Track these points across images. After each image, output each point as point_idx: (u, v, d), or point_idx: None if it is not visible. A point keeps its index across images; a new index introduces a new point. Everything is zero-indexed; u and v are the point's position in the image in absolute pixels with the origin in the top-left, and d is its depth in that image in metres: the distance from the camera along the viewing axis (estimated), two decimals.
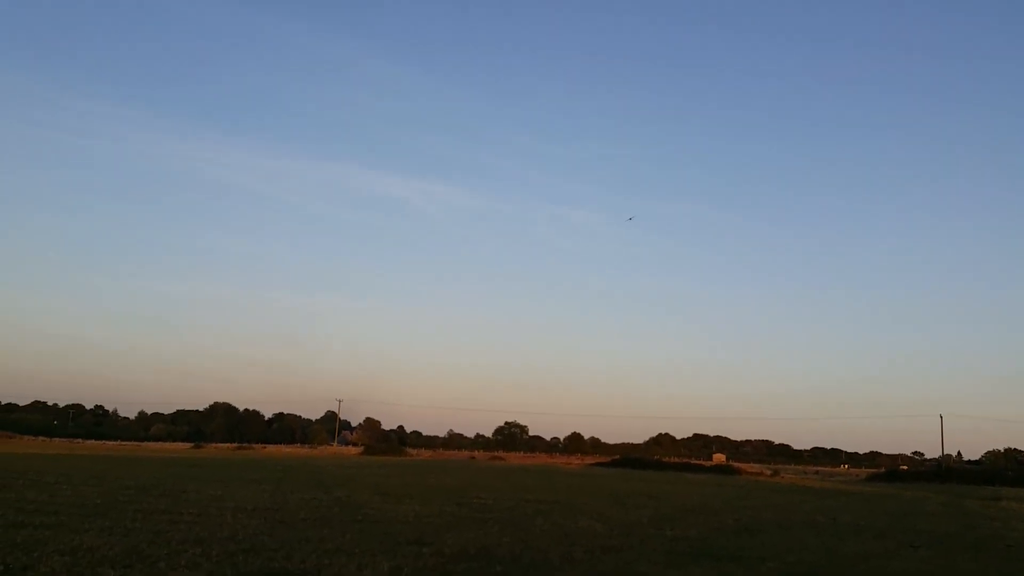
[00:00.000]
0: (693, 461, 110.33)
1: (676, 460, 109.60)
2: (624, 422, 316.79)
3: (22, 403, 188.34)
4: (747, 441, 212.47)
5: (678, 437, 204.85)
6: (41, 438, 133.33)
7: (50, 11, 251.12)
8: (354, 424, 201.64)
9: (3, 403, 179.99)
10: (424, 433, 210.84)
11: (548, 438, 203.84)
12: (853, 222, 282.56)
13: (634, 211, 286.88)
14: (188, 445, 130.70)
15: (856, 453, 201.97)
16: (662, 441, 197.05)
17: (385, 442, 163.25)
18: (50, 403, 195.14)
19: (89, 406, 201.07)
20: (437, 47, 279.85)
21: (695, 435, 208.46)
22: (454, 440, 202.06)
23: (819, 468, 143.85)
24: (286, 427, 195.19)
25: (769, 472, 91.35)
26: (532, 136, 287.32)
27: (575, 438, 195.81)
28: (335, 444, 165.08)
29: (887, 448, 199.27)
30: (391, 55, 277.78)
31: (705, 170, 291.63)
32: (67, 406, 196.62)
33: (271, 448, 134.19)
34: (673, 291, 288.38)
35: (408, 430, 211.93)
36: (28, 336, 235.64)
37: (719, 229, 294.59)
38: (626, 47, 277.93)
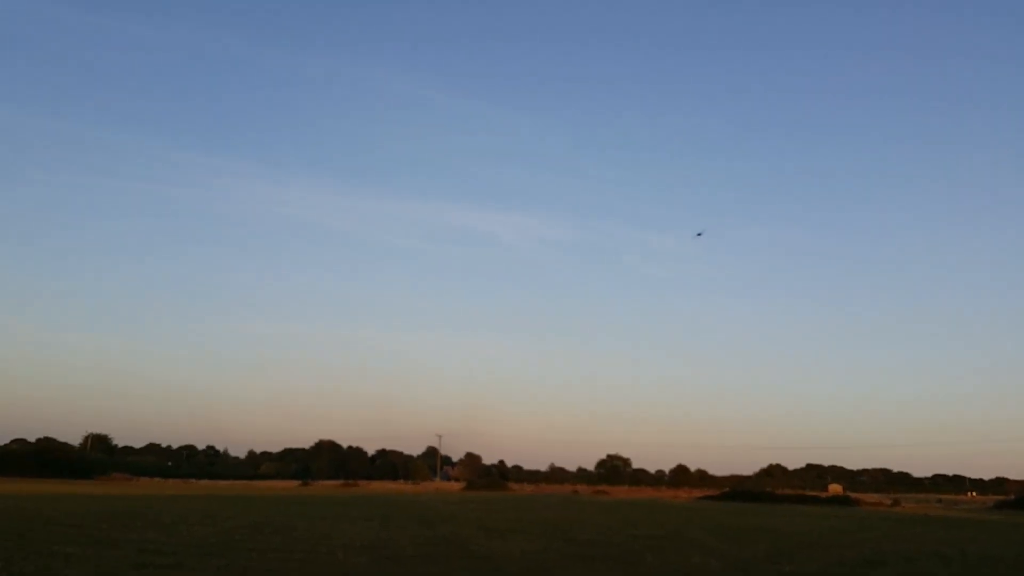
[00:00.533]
0: (808, 492, 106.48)
1: (789, 492, 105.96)
2: (732, 453, 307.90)
3: (138, 446, 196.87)
4: (864, 470, 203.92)
5: (790, 468, 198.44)
6: (157, 479, 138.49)
7: (139, 66, 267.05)
8: (454, 459, 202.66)
9: (121, 446, 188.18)
10: (525, 467, 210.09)
11: (653, 471, 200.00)
12: (978, 234, 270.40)
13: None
14: (296, 483, 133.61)
15: (981, 480, 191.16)
16: (773, 472, 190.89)
17: (486, 477, 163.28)
18: (164, 445, 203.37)
19: (201, 447, 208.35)
20: (517, 82, 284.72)
21: (808, 465, 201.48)
22: (556, 474, 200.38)
23: (942, 496, 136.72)
24: (388, 463, 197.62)
25: (889, 502, 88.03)
26: (617, 164, 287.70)
27: (681, 471, 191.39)
28: (437, 479, 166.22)
29: (1015, 474, 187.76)
30: (475, 92, 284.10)
31: (798, 191, 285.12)
32: (180, 447, 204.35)
33: (375, 484, 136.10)
34: (774, 316, 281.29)
35: (508, 464, 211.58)
36: (142, 381, 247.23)
37: (821, 250, 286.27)
38: (706, 74, 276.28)
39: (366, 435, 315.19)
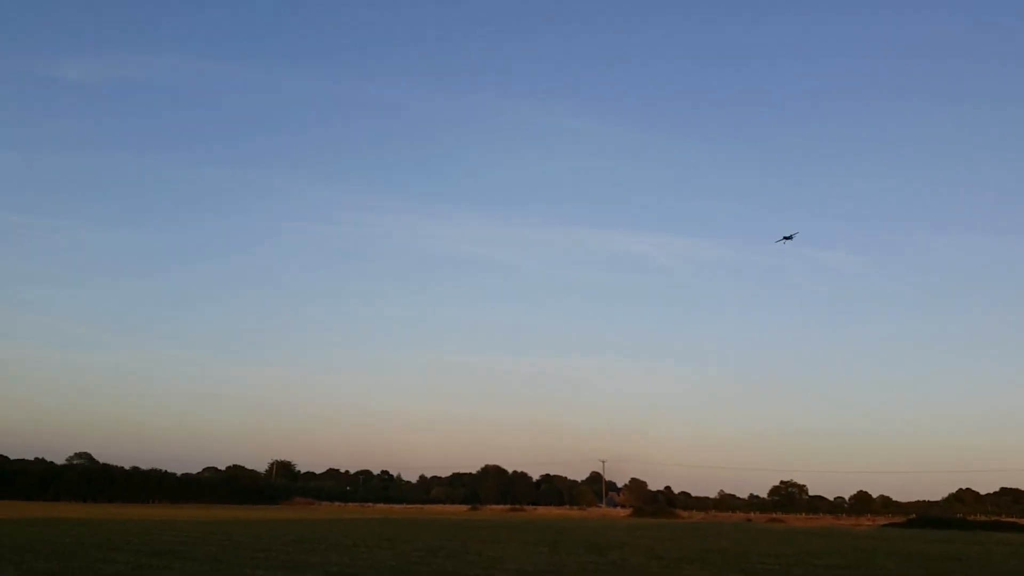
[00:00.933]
0: (1004, 519, 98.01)
1: (983, 518, 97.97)
2: (917, 478, 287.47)
3: (318, 472, 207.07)
4: None
5: (982, 492, 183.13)
6: (336, 503, 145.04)
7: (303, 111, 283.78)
8: (619, 485, 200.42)
9: (303, 472, 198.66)
10: (693, 494, 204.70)
11: (831, 498, 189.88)
12: None
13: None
14: (466, 507, 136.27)
15: None
16: (964, 497, 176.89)
17: (654, 503, 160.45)
18: (342, 470, 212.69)
19: (376, 472, 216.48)
20: (661, 105, 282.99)
21: (1003, 489, 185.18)
22: (726, 501, 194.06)
23: None
24: (553, 488, 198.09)
25: None
26: (778, 179, 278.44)
27: (862, 497, 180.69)
28: (603, 505, 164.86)
29: None
30: (619, 118, 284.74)
31: (975, 198, 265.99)
32: (357, 472, 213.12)
33: (541, 509, 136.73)
34: (954, 329, 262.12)
35: (675, 491, 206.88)
36: (323, 410, 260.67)
37: (1005, 257, 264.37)
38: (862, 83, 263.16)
39: (530, 460, 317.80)
